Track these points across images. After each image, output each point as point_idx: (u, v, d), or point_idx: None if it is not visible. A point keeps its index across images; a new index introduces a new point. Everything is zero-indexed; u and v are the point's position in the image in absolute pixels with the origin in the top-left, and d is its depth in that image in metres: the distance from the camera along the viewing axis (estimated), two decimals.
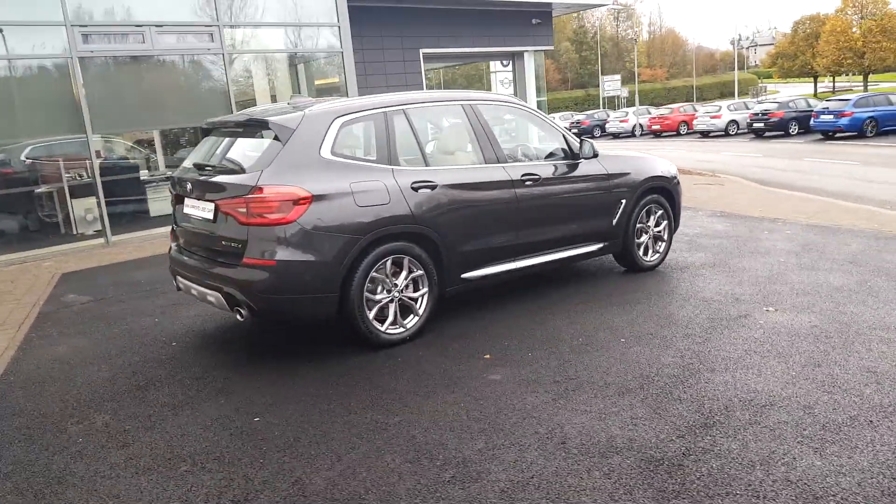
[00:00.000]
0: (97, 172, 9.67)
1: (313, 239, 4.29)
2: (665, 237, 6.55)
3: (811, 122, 24.20)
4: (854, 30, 53.82)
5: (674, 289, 5.75)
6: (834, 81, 64.51)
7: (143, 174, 10.96)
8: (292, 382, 4.21)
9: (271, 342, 5.11)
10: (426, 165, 4.90)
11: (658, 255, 6.51)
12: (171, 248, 5.29)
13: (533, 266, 5.51)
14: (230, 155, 4.77)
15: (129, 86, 10.16)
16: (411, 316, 4.79)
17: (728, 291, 5.57)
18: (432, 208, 4.77)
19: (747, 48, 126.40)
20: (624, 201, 6.07)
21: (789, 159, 18.48)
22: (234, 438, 3.52)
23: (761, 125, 26.53)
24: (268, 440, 3.47)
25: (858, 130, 22.51)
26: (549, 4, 17.11)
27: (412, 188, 4.69)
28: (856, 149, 19.78)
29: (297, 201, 4.23)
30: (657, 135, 33.88)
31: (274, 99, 12.20)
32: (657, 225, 6.44)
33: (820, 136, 24.16)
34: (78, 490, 3.13)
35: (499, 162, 5.28)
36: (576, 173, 5.71)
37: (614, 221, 6.01)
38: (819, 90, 62.57)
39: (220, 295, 4.45)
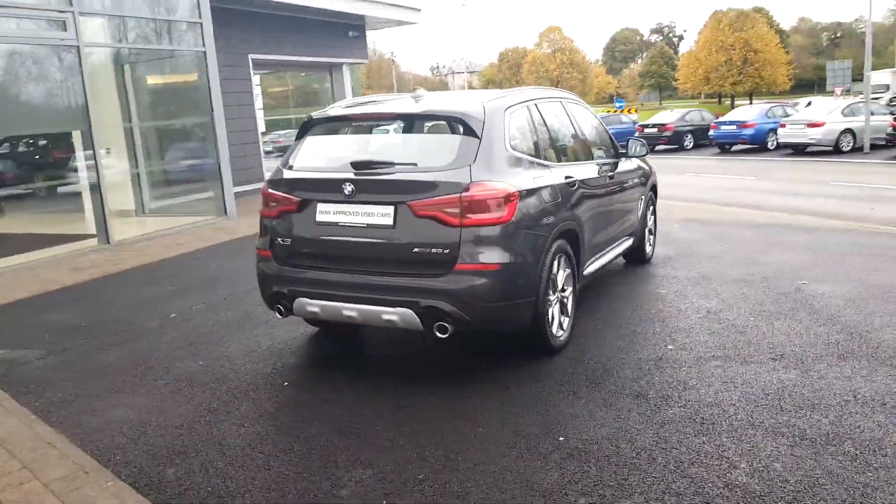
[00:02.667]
0: None
1: (523, 239, 3.94)
2: (653, 230, 7.14)
3: None
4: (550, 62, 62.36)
5: (703, 275, 6.29)
6: None
7: None
8: (518, 402, 3.80)
9: (374, 360, 4.50)
10: (558, 161, 4.75)
11: (651, 246, 7.07)
12: (264, 269, 4.34)
13: (610, 260, 5.64)
14: (406, 151, 4.13)
15: None
16: (563, 317, 4.60)
17: (744, 272, 6.29)
18: (577, 205, 4.66)
19: (446, 75, 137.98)
20: (643, 197, 6.50)
21: None
22: (572, 462, 3.11)
23: None
24: (609, 454, 3.14)
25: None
26: (363, 18, 17.05)
27: (566, 184, 4.54)
28: None
29: (508, 198, 3.85)
30: None
31: (120, 98, 10.36)
32: (648, 219, 6.99)
33: None
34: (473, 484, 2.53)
35: (589, 159, 5.32)
36: (625, 169, 5.97)
37: (639, 215, 6.41)
38: None
39: (410, 311, 3.82)
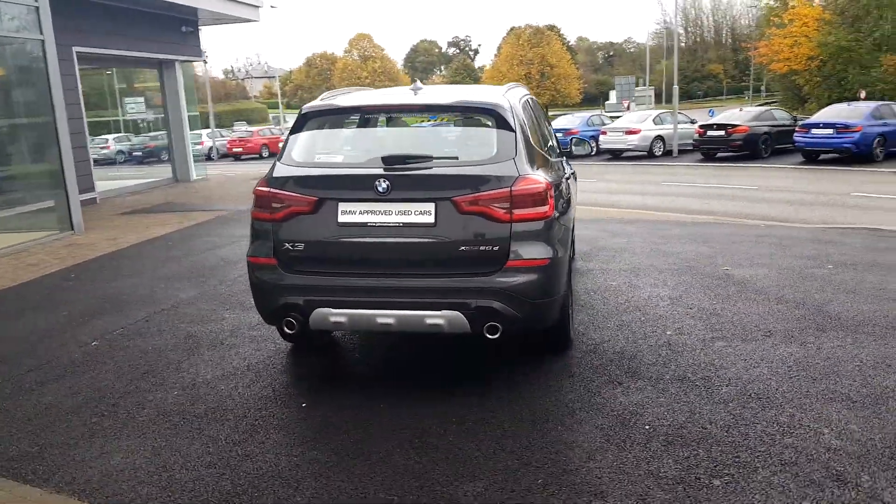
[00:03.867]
0: None
1: (559, 233, 3.90)
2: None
3: None
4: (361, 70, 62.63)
5: (635, 266, 6.66)
6: None
7: None
8: (574, 398, 3.76)
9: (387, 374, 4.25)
10: (551, 157, 4.76)
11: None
12: (267, 279, 3.85)
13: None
14: (439, 144, 3.86)
15: None
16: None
17: (666, 262, 6.79)
18: (570, 200, 4.71)
19: (243, 79, 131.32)
20: (575, 194, 6.75)
21: None
22: (677, 448, 3.14)
23: None
24: (704, 436, 3.22)
25: None
26: (195, 11, 15.86)
27: (565, 179, 4.57)
28: None
29: (548, 192, 3.78)
30: (238, 158, 33.32)
31: None
32: None
33: None
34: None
35: (559, 156, 5.40)
36: (572, 167, 6.15)
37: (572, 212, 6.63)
38: None
39: (458, 314, 3.60)
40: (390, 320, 3.70)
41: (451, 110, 4.15)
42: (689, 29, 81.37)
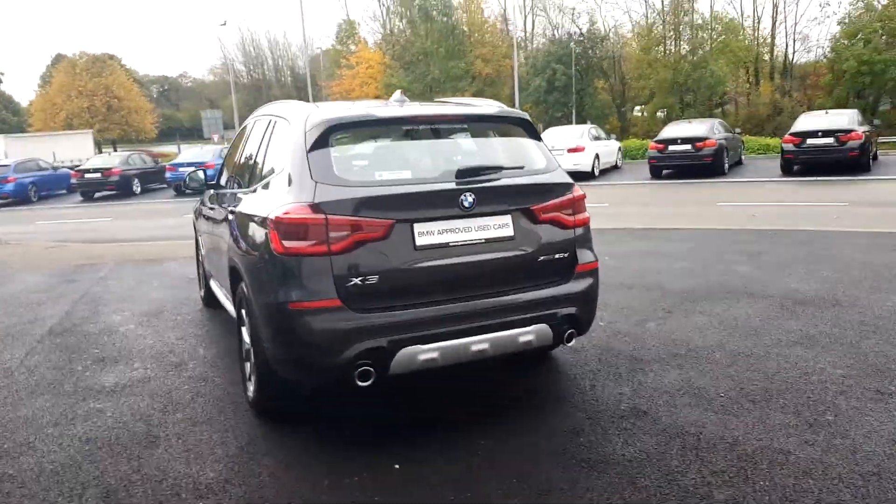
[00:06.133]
0: None
1: None
2: None
3: None
4: None
5: None
6: None
7: None
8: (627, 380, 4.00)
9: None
10: None
11: None
12: (333, 325, 3.13)
13: None
14: (491, 155, 3.76)
15: None
16: None
17: None
18: None
19: None
20: None
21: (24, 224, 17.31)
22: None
23: None
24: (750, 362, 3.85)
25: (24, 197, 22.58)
26: None
27: None
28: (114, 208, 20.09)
29: None
30: None
31: None
32: None
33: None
34: None
35: None
36: None
37: None
38: None
39: (545, 326, 3.54)
40: (485, 345, 3.40)
41: (492, 121, 3.96)
42: (251, 66, 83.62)
